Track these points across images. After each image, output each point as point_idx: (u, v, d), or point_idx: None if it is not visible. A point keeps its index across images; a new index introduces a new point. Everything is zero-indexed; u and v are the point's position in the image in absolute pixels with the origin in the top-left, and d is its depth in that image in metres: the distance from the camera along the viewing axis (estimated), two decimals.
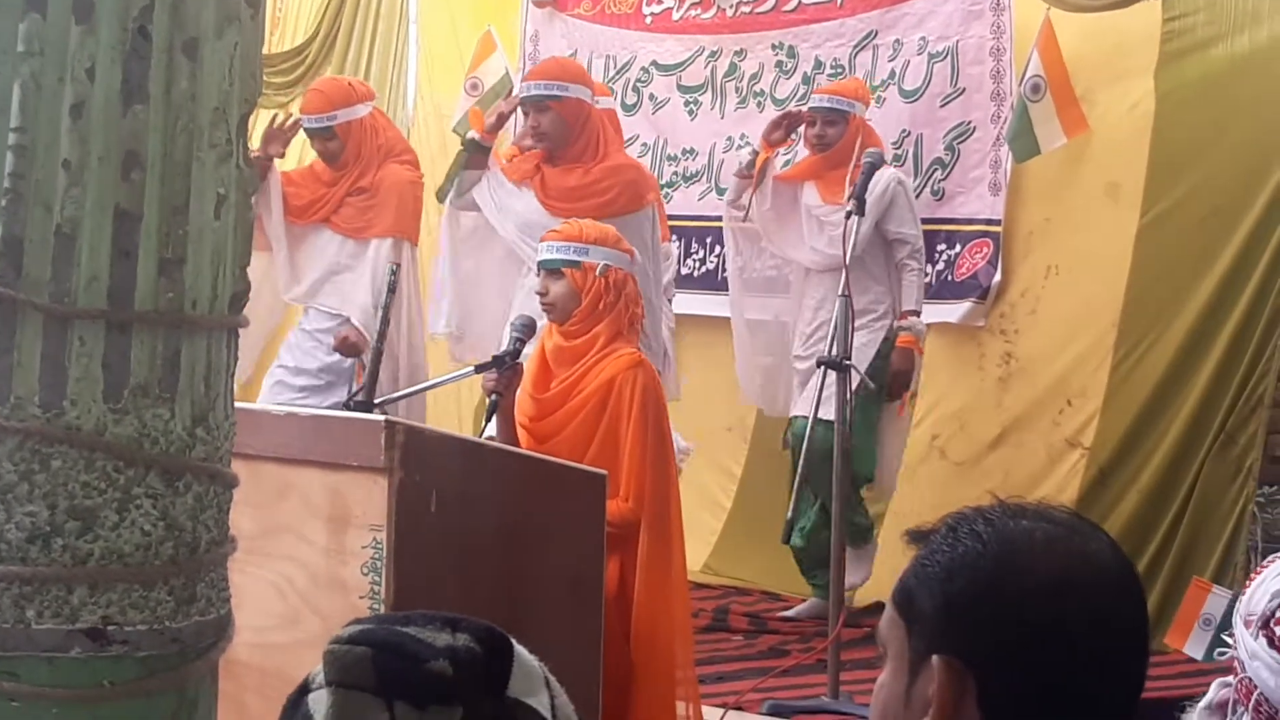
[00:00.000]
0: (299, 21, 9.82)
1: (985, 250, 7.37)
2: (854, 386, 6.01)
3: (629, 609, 4.63)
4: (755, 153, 7.08)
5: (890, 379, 6.80)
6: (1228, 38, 6.82)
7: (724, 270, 7.98)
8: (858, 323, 6.42)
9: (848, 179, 6.79)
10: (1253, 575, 2.20)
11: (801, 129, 7.12)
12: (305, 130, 7.04)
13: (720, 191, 8.13)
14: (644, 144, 8.37)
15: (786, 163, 7.34)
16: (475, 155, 6.64)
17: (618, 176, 6.44)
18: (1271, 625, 2.11)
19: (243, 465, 2.50)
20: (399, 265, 5.77)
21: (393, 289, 5.36)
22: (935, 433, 7.43)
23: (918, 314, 6.87)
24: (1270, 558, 2.21)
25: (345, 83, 7.26)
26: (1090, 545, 1.75)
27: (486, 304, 6.69)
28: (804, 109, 7.14)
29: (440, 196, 6.89)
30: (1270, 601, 2.12)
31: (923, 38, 7.55)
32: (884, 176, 6.79)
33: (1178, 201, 6.92)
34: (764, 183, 7.04)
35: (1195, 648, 5.66)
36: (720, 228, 7.80)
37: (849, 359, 5.62)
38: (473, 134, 6.74)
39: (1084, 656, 1.70)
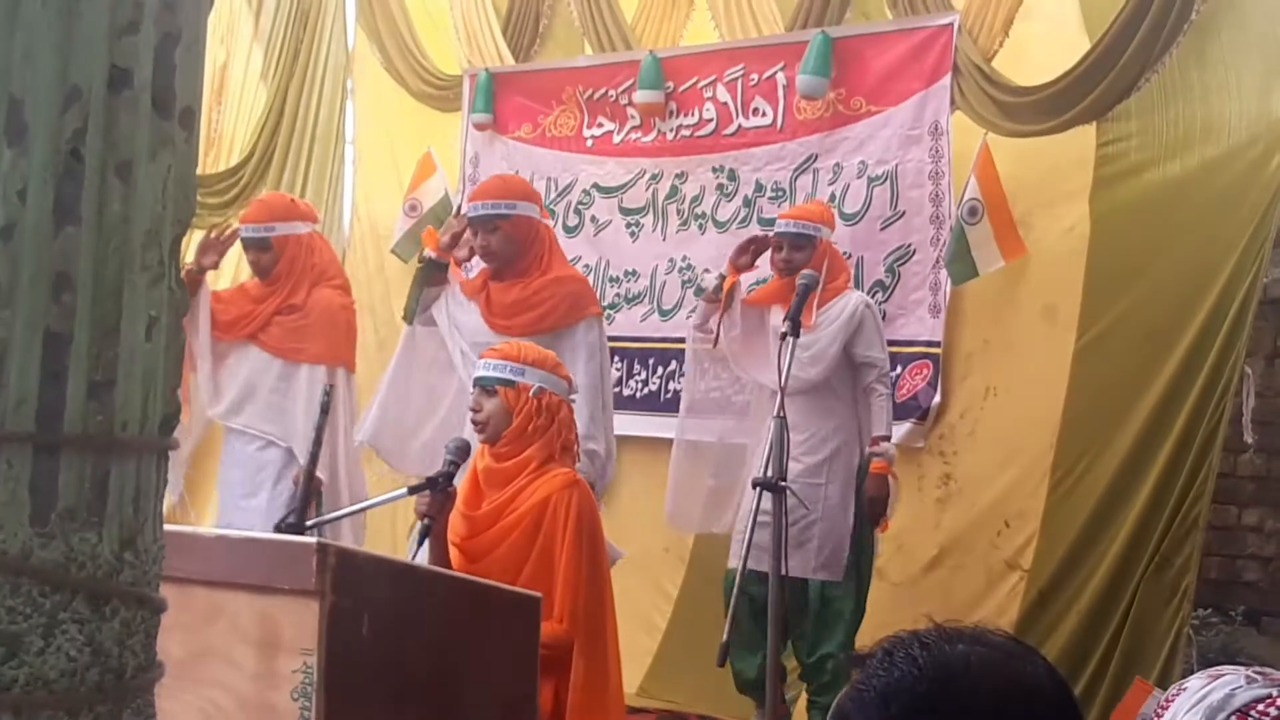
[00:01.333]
0: (234, 142, 9.85)
1: (925, 371, 7.40)
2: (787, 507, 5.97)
3: None
4: (722, 277, 7.05)
5: (867, 505, 6.77)
6: (1160, 163, 6.90)
7: (665, 392, 7.99)
8: (825, 452, 6.44)
9: (815, 302, 6.81)
10: (1161, 708, 2.18)
11: (768, 253, 7.11)
12: (242, 240, 7.02)
13: (663, 313, 8.18)
14: (586, 265, 8.39)
15: (752, 286, 7.33)
16: (435, 273, 6.64)
17: (559, 288, 6.43)
18: None
19: (171, 588, 2.47)
20: (333, 386, 5.75)
21: (325, 409, 5.34)
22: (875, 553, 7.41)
23: (888, 438, 6.83)
24: (1173, 689, 2.18)
25: (289, 199, 7.29)
26: (1027, 669, 1.75)
27: (407, 417, 6.66)
28: (771, 233, 7.11)
29: (408, 317, 6.83)
30: None
31: (862, 161, 7.63)
32: (851, 300, 6.85)
33: (1113, 323, 6.98)
34: (732, 307, 7.04)
35: None
36: (663, 349, 7.84)
37: (784, 480, 5.60)
38: (428, 253, 6.74)
39: None
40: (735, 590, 5.79)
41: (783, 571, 5.87)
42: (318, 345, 6.79)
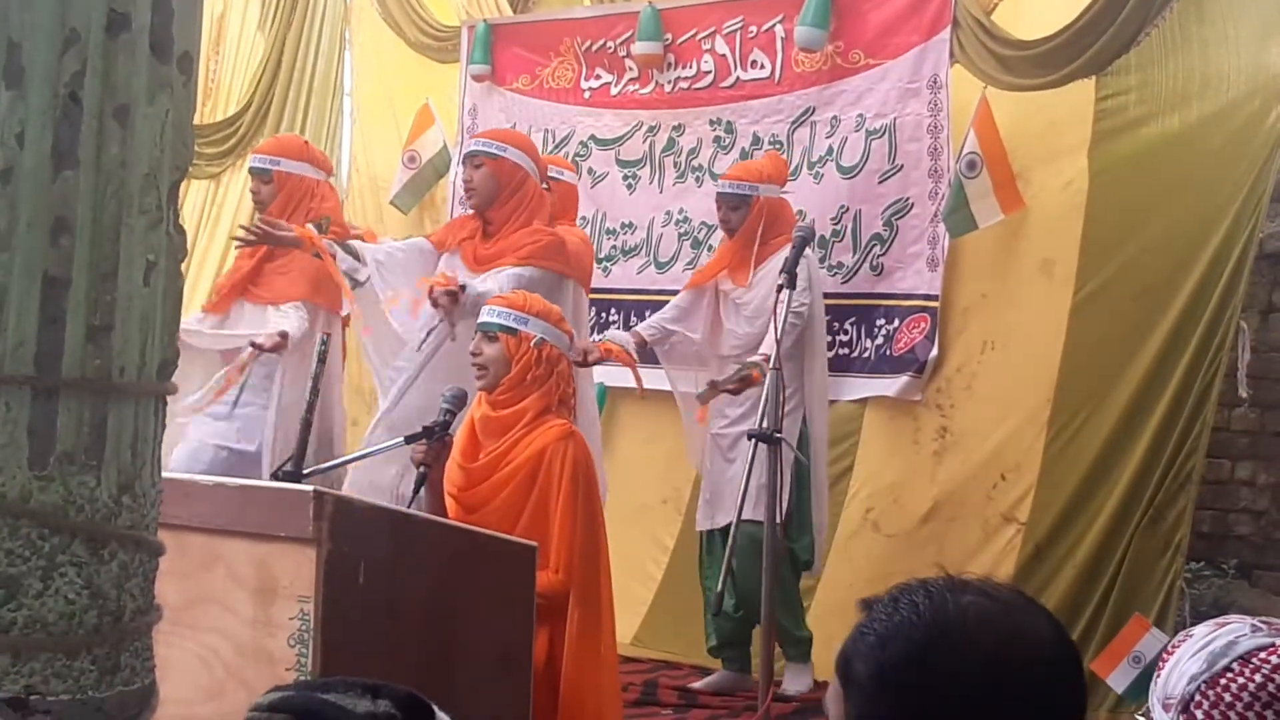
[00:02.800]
0: (231, 93, 9.83)
1: (922, 325, 7.40)
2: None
3: (558, 681, 4.60)
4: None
5: (723, 383, 6.76)
6: (1159, 117, 6.89)
7: (663, 344, 8.01)
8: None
9: (753, 258, 6.89)
10: (1166, 654, 2.20)
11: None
12: (249, 169, 7.10)
13: (660, 266, 8.18)
14: (583, 218, 8.37)
15: None
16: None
17: (537, 235, 6.44)
18: (1192, 709, 2.11)
19: (169, 535, 2.48)
20: (329, 335, 5.74)
21: (322, 359, 5.34)
22: (869, 506, 7.44)
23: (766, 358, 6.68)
24: (1180, 636, 2.21)
25: (304, 141, 7.30)
26: (1028, 624, 1.76)
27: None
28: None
29: None
30: (1188, 685, 2.12)
31: (860, 114, 7.61)
32: (813, 261, 6.85)
33: (1111, 278, 6.97)
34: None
35: (1118, 680, 5.67)
36: (659, 301, 7.84)
37: (779, 432, 5.61)
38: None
39: None
40: (731, 542, 5.81)
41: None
42: (301, 287, 6.76)
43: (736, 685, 7.01)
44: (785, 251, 6.57)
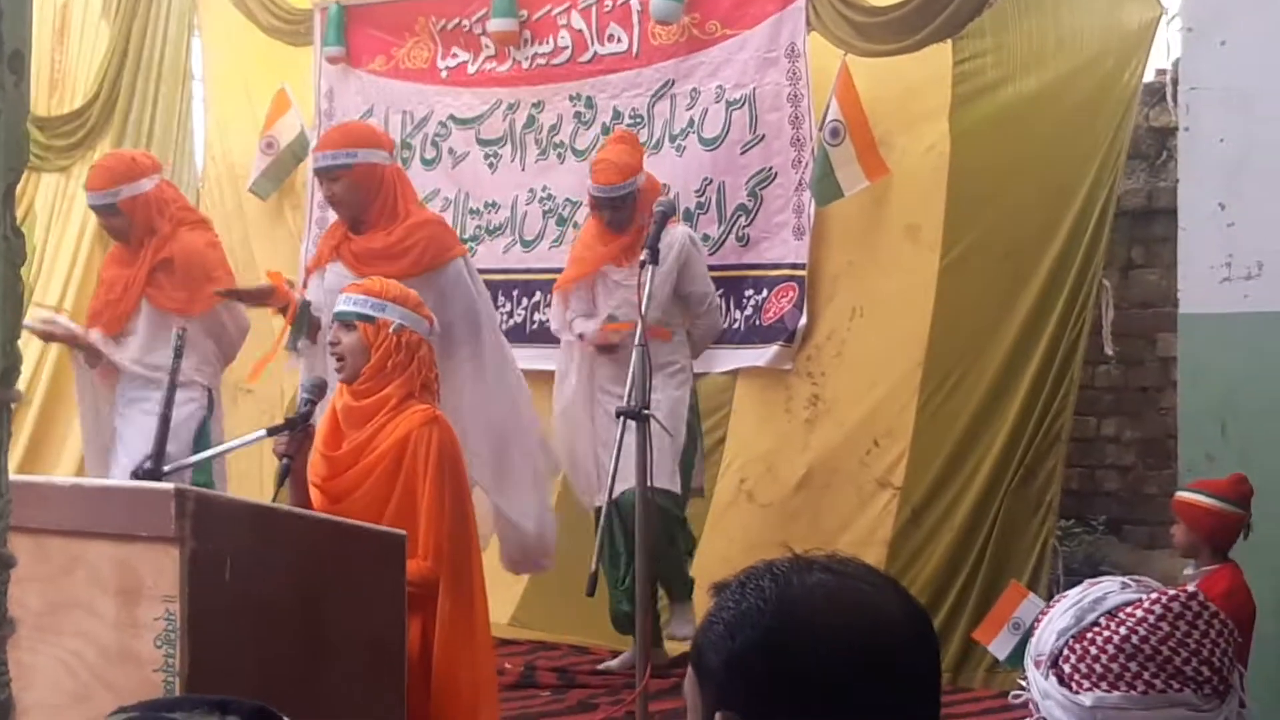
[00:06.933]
0: (78, 83, 9.63)
1: (791, 294, 7.41)
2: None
3: (431, 669, 4.55)
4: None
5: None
6: (1016, 79, 6.94)
7: (531, 323, 7.97)
8: (658, 377, 6.45)
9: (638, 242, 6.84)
10: (1041, 616, 2.23)
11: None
12: (90, 207, 6.97)
13: (525, 244, 8.15)
14: (445, 198, 8.31)
15: None
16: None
17: (420, 232, 6.42)
18: (1060, 664, 2.15)
19: (28, 539, 2.40)
20: (184, 330, 5.63)
21: (179, 353, 5.25)
22: (743, 476, 7.45)
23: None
24: (1056, 598, 2.25)
25: (129, 157, 7.13)
26: (876, 600, 1.76)
27: None
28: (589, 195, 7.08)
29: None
30: (1057, 640, 2.16)
31: (720, 85, 7.59)
32: (675, 237, 6.82)
33: (976, 241, 7.02)
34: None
35: (1000, 648, 5.72)
36: (526, 280, 7.85)
37: (648, 408, 5.58)
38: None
39: (865, 709, 1.70)
40: (603, 521, 5.78)
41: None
42: (205, 293, 6.67)
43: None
44: (670, 233, 6.64)
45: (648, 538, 5.48)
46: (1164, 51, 6.86)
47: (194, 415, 6.57)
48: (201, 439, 6.49)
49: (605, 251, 7.06)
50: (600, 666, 7.13)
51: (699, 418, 7.14)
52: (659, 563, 6.63)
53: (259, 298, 6.57)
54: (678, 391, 6.88)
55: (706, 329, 7.08)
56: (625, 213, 6.91)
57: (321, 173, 6.53)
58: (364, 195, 6.42)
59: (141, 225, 6.69)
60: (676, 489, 6.81)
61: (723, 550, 7.17)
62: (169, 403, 5.27)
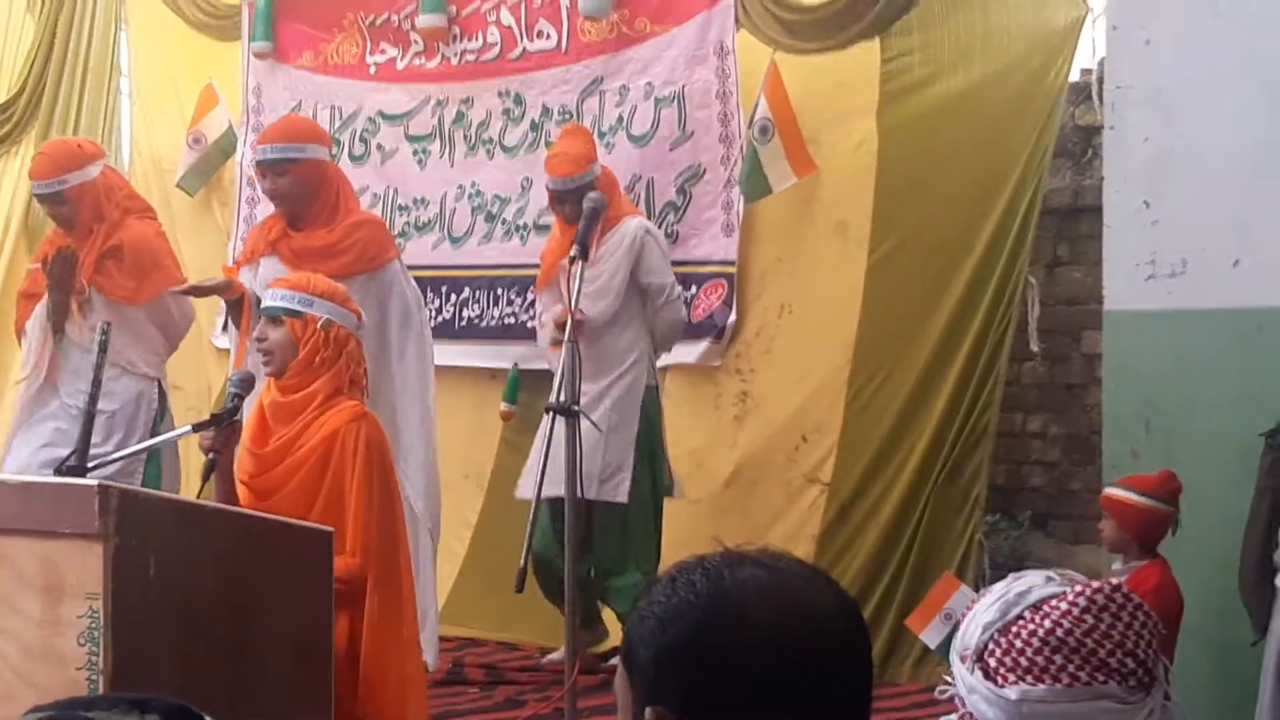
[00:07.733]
0: (3, 78, 9.54)
1: (720, 291, 7.42)
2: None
3: (359, 666, 4.53)
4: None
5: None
6: (943, 77, 6.97)
7: (459, 319, 7.94)
8: (616, 372, 6.45)
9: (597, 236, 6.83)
10: (966, 610, 2.24)
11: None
12: (36, 197, 6.93)
13: (454, 240, 8.12)
14: (374, 195, 8.27)
15: None
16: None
17: (359, 232, 6.42)
18: (985, 658, 2.16)
19: None
20: (110, 324, 5.58)
21: (104, 348, 5.20)
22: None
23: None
24: (982, 592, 2.26)
25: (74, 144, 7.09)
26: (808, 593, 1.76)
27: None
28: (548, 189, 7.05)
29: None
30: (982, 635, 2.17)
31: (649, 83, 7.59)
32: (630, 229, 6.84)
33: (904, 238, 7.05)
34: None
35: (931, 637, 5.77)
36: (454, 277, 7.83)
37: (578, 404, 5.58)
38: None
39: (796, 703, 1.71)
40: (531, 517, 5.76)
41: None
42: (153, 281, 6.65)
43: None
44: (625, 224, 6.76)
45: (576, 534, 5.49)
46: (1090, 50, 6.93)
47: (148, 407, 6.59)
48: (156, 431, 6.47)
49: (567, 244, 7.00)
50: (544, 659, 7.11)
51: (660, 413, 7.07)
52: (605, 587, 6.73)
53: (216, 291, 6.50)
54: (629, 385, 6.85)
55: (668, 322, 6.99)
56: (574, 208, 6.85)
57: (266, 166, 6.43)
58: (307, 191, 6.38)
59: (89, 212, 6.65)
60: (623, 498, 6.80)
61: None
62: (94, 398, 5.22)
